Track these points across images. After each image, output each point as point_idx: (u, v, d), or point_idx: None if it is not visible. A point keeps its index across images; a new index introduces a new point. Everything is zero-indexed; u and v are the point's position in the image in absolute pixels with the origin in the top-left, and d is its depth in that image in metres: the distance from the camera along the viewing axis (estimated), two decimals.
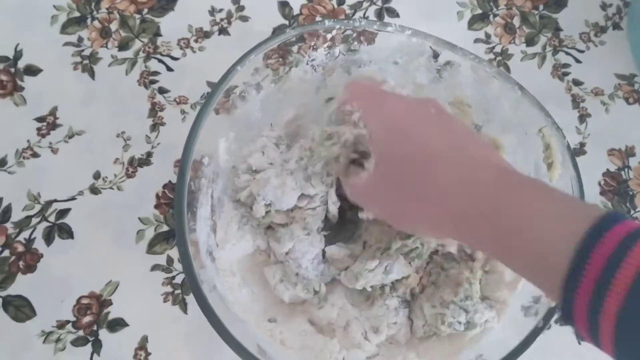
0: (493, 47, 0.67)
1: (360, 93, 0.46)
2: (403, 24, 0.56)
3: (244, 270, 0.50)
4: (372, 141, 0.43)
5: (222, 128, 0.51)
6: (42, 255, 0.54)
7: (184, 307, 0.54)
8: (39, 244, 0.55)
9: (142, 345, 0.52)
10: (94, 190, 0.57)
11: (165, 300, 0.54)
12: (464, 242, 0.44)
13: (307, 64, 0.53)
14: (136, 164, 0.58)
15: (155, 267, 0.55)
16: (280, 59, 0.54)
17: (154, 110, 0.60)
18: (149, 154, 0.59)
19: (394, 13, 0.67)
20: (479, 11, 0.68)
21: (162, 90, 0.61)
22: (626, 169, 0.62)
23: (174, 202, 0.45)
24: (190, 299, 0.54)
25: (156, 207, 0.57)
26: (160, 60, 0.63)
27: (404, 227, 0.45)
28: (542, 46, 0.67)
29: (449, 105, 0.54)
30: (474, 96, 0.52)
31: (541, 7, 0.69)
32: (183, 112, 0.60)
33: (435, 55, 0.53)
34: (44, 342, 0.51)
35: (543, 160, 0.48)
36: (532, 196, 0.35)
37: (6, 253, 0.54)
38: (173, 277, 0.55)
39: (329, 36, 0.52)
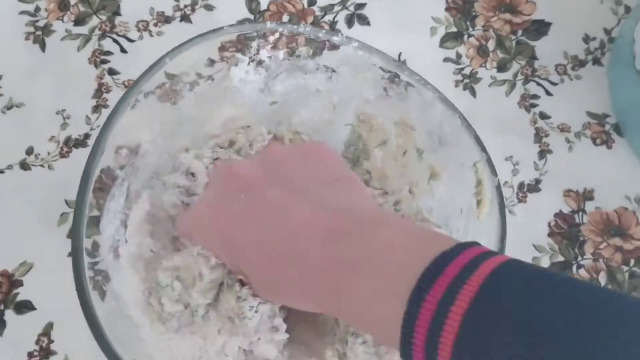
0: (462, 69, 0.64)
1: (183, 226, 0.46)
2: (373, 32, 0.55)
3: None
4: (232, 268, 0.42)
5: (149, 118, 0.49)
6: None
7: (102, 295, 0.52)
8: None
9: (47, 331, 0.51)
10: (24, 165, 0.55)
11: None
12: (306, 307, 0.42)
13: (249, 63, 0.51)
14: (72, 144, 0.57)
15: None
16: (240, 53, 0.52)
17: (100, 91, 0.59)
18: (87, 136, 0.57)
19: (364, 20, 0.65)
20: (454, 29, 0.66)
21: (112, 72, 0.60)
22: (580, 213, 0.60)
23: (77, 193, 0.43)
24: (109, 287, 0.52)
25: None
26: (115, 40, 0.61)
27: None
28: (513, 73, 0.65)
29: (393, 125, 0.52)
30: (418, 118, 0.50)
31: (520, 32, 0.67)
32: None
33: (384, 72, 0.51)
34: None
35: (474, 195, 0.46)
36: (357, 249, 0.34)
37: None
38: (96, 263, 0.53)
39: (272, 39, 0.50)
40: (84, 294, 0.40)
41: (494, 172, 0.45)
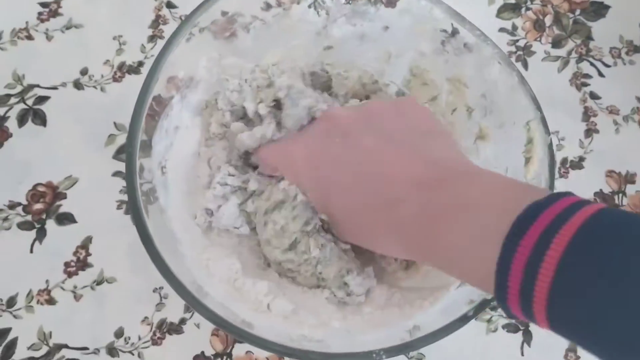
0: (517, 41, 0.64)
1: (270, 157, 0.46)
2: None
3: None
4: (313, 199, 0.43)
5: (202, 53, 0.49)
6: (11, 135, 0.54)
7: (147, 211, 0.53)
8: (12, 124, 0.55)
9: (85, 244, 0.52)
10: (78, 85, 0.56)
11: (118, 208, 0.53)
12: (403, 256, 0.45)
13: (310, 5, 0.51)
14: (125, 70, 0.57)
15: (117, 174, 0.54)
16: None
17: (157, 22, 0.60)
18: (140, 64, 0.58)
19: None
20: (512, 0, 0.65)
21: (170, 5, 0.60)
22: (621, 195, 0.59)
23: (135, 105, 0.44)
24: (156, 203, 0.53)
25: None
26: None
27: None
28: (567, 51, 0.64)
29: (446, 81, 0.51)
30: (472, 77, 0.50)
31: (578, 11, 0.66)
32: None
33: (443, 26, 0.51)
34: None
35: (522, 153, 0.46)
36: (452, 195, 0.35)
37: None
38: (141, 184, 0.54)
39: None
40: (136, 203, 0.41)
41: (547, 130, 0.45)
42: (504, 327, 0.53)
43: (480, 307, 0.42)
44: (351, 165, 0.40)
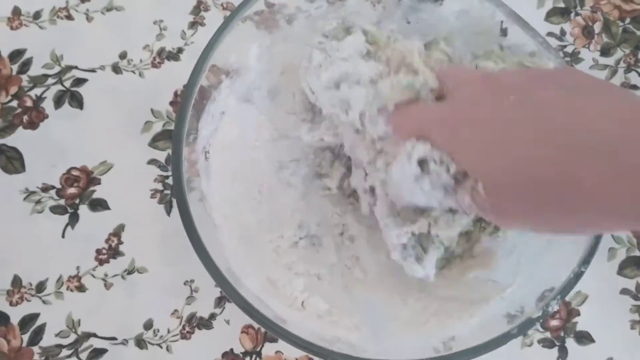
0: (565, 46, 0.62)
1: (419, 120, 0.39)
2: None
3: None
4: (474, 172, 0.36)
5: (244, 42, 0.48)
6: (47, 116, 0.53)
7: (168, 209, 0.52)
8: (48, 105, 0.54)
9: (117, 232, 0.51)
10: (116, 69, 0.55)
11: (152, 197, 0.52)
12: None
13: None
14: (164, 56, 0.56)
15: (152, 162, 0.53)
16: None
17: (199, 8, 0.58)
18: (180, 50, 0.57)
19: None
20: (562, 5, 0.63)
21: None
22: None
23: (186, 85, 0.43)
24: (198, 189, 0.52)
25: (172, 103, 0.55)
26: None
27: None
28: (616, 60, 0.62)
29: None
30: None
31: (627, 19, 0.64)
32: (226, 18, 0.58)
33: (504, 32, 0.49)
34: (24, 199, 0.51)
35: None
36: None
37: (14, 104, 0.53)
38: (167, 177, 0.53)
39: None
40: (181, 187, 0.40)
41: None
42: (539, 341, 0.52)
43: (524, 327, 0.41)
44: (537, 121, 0.33)
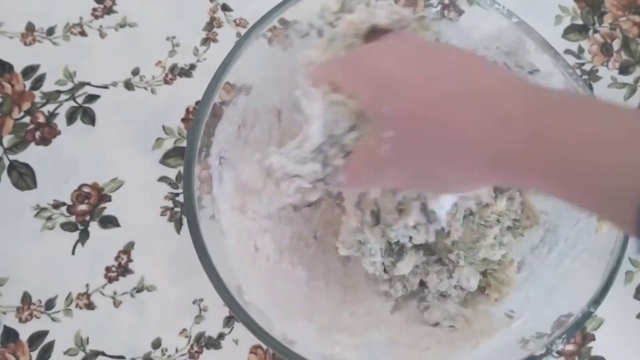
0: (583, 64, 0.61)
1: (330, 66, 0.40)
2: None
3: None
4: (367, 108, 0.36)
5: (256, 59, 0.48)
6: (59, 132, 0.53)
7: (178, 227, 0.52)
8: (60, 121, 0.54)
9: (127, 250, 0.51)
10: (129, 85, 0.55)
11: (162, 214, 0.52)
12: (507, 184, 0.42)
13: None
14: (177, 73, 0.56)
15: (163, 179, 0.53)
16: None
17: (211, 24, 0.58)
18: (192, 66, 0.56)
19: None
20: (580, 22, 0.62)
21: (225, 8, 0.59)
22: None
23: (198, 108, 0.42)
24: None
25: (183, 120, 0.55)
26: None
27: (435, 188, 0.39)
28: (635, 78, 0.61)
29: None
30: None
31: None
32: (239, 35, 0.58)
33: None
34: (35, 215, 0.51)
35: None
36: (581, 117, 0.29)
37: (27, 119, 0.53)
38: (177, 194, 0.53)
39: None
40: (192, 205, 0.40)
41: None
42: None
43: None
44: (429, 68, 0.34)
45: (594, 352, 0.52)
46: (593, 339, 0.52)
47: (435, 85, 0.33)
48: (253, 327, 0.39)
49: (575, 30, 0.62)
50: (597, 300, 0.40)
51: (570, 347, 0.52)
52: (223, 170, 0.46)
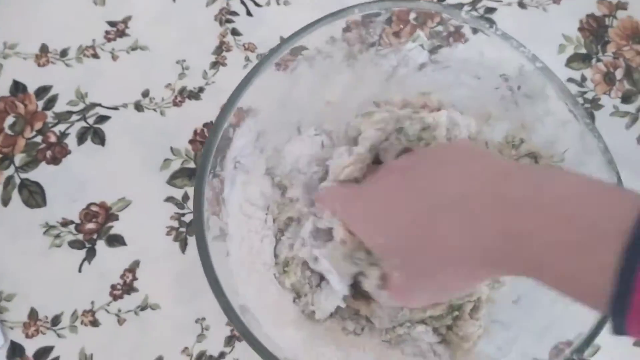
0: (585, 92, 0.62)
1: (331, 198, 0.45)
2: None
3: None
4: (367, 244, 0.41)
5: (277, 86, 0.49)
6: (70, 152, 0.55)
7: (183, 247, 0.53)
8: (71, 141, 0.55)
9: (132, 268, 0.52)
10: (138, 107, 0.57)
11: (168, 234, 0.53)
12: (498, 277, 0.45)
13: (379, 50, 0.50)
14: (186, 95, 0.57)
15: (169, 199, 0.54)
16: (360, 36, 0.52)
17: (221, 48, 0.59)
18: (201, 89, 0.58)
19: (491, 24, 0.63)
20: (583, 51, 0.63)
21: (234, 32, 0.60)
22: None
23: (209, 133, 0.44)
24: (192, 240, 0.53)
25: (191, 142, 0.56)
26: (243, 2, 0.61)
27: (447, 297, 0.44)
28: (637, 107, 0.62)
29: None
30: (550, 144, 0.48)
31: None
32: (247, 59, 0.59)
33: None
34: (44, 233, 0.52)
35: None
36: (543, 215, 0.30)
37: (38, 139, 0.55)
38: (183, 215, 0.54)
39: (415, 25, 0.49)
40: (201, 225, 0.41)
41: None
42: None
43: None
44: (408, 192, 0.38)
45: None
46: None
47: (414, 207, 0.37)
48: (257, 346, 0.40)
49: (578, 59, 0.63)
50: (580, 349, 0.41)
51: None
52: (236, 175, 0.48)
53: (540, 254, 0.30)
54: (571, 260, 0.29)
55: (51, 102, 0.56)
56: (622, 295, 0.27)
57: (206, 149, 0.43)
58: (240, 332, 0.40)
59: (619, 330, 0.28)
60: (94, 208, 0.53)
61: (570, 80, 0.62)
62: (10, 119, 0.55)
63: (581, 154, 0.47)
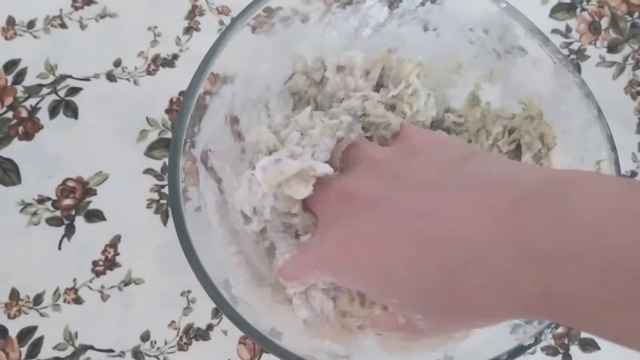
0: (570, 43, 0.60)
1: (305, 267, 0.39)
2: None
3: None
4: (380, 301, 0.37)
5: (240, 47, 0.47)
6: (42, 127, 0.53)
7: (164, 219, 0.52)
8: (43, 115, 0.53)
9: (114, 243, 0.51)
10: (111, 77, 0.55)
11: (148, 207, 0.52)
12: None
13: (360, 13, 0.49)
14: (159, 63, 0.55)
15: (148, 171, 0.53)
16: None
17: (193, 13, 0.57)
18: (175, 57, 0.56)
19: None
20: (567, 0, 0.61)
21: None
22: None
23: (182, 100, 0.42)
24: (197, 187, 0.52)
25: (167, 111, 0.54)
26: None
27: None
28: (624, 56, 0.60)
29: (519, 102, 0.48)
30: (548, 103, 0.46)
31: (637, 14, 0.62)
32: (221, 23, 0.57)
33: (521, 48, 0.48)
34: (20, 211, 0.51)
35: None
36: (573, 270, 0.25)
37: (9, 115, 0.53)
38: (163, 187, 0.53)
39: None
40: (177, 198, 0.39)
41: (619, 173, 0.41)
42: (543, 349, 0.51)
43: (514, 354, 0.40)
44: (404, 238, 0.32)
45: (583, 334, 0.52)
46: None
47: (424, 261, 0.31)
48: (239, 322, 0.39)
49: (562, 9, 0.61)
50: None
51: (560, 330, 0.52)
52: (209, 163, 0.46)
53: (593, 314, 0.25)
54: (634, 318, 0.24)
55: (20, 76, 0.54)
56: None
57: (180, 116, 0.42)
58: (221, 309, 0.39)
59: None
60: (70, 183, 0.52)
61: (555, 31, 0.60)
62: None
63: (558, 92, 0.45)
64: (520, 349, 0.40)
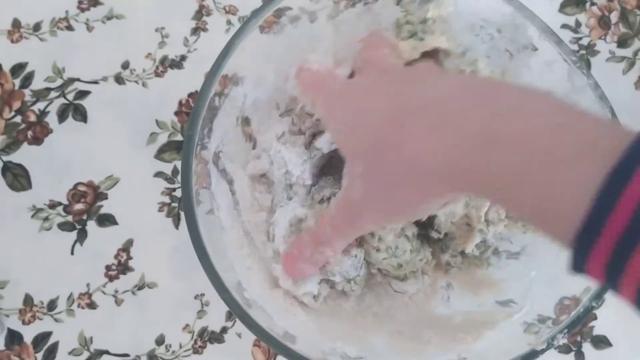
0: (580, 39, 0.60)
1: (313, 84, 0.42)
2: None
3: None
4: (339, 146, 0.39)
5: (263, 51, 0.47)
6: (51, 131, 0.53)
7: (176, 222, 0.52)
8: (52, 119, 0.53)
9: (126, 247, 0.51)
10: (119, 79, 0.54)
11: (160, 210, 0.52)
12: (461, 195, 0.40)
13: None
14: (167, 65, 0.55)
15: (159, 174, 0.52)
16: None
17: (200, 13, 0.57)
18: (183, 58, 0.55)
19: None
20: None
21: None
22: None
23: (195, 103, 0.41)
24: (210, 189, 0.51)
25: (176, 113, 0.54)
26: None
27: (406, 218, 0.40)
28: (634, 51, 0.60)
29: None
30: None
31: None
32: (229, 22, 0.57)
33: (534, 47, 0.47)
34: (32, 216, 0.51)
35: None
36: (525, 124, 0.27)
37: (18, 119, 0.53)
38: (174, 189, 0.52)
39: None
40: (190, 201, 0.39)
41: None
42: (555, 347, 0.51)
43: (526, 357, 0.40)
44: (394, 103, 0.35)
45: (596, 332, 0.52)
46: (595, 318, 0.52)
47: (387, 109, 0.34)
48: (252, 325, 0.39)
49: (572, 4, 0.61)
50: (598, 295, 0.39)
51: None
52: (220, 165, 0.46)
53: (521, 164, 0.27)
54: (556, 173, 0.25)
55: (28, 80, 0.53)
56: (592, 228, 0.24)
57: (192, 119, 0.41)
58: (234, 312, 0.39)
59: (577, 266, 0.25)
60: (81, 188, 0.52)
61: (565, 26, 0.60)
62: None
63: (572, 94, 0.45)
64: (533, 354, 0.40)
